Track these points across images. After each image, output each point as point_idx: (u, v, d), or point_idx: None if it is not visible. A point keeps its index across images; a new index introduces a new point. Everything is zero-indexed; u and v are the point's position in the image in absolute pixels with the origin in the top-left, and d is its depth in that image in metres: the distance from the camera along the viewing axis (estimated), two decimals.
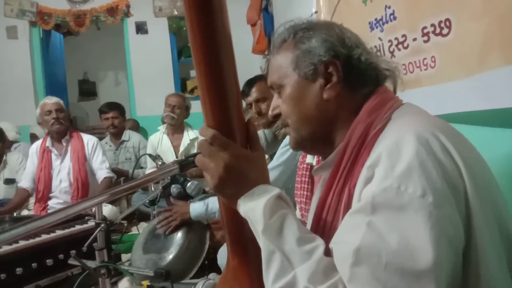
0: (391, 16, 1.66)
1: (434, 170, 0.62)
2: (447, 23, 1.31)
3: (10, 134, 4.18)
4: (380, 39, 1.71)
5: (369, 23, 1.81)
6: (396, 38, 1.62)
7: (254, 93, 2.08)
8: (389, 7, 1.67)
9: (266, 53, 4.25)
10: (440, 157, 0.64)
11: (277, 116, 0.90)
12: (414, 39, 1.50)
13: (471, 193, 0.64)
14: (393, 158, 0.64)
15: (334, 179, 0.77)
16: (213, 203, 2.00)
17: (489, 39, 1.15)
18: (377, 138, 0.72)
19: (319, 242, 0.66)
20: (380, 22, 1.73)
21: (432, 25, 1.38)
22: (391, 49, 1.63)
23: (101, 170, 3.30)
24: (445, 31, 1.33)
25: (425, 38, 1.43)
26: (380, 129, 0.74)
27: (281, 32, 0.88)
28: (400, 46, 1.60)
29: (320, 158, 1.38)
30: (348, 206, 0.72)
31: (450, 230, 0.61)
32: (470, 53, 1.23)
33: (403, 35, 1.57)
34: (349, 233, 0.64)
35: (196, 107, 4.28)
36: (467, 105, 1.25)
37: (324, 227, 0.77)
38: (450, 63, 1.33)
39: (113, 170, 3.67)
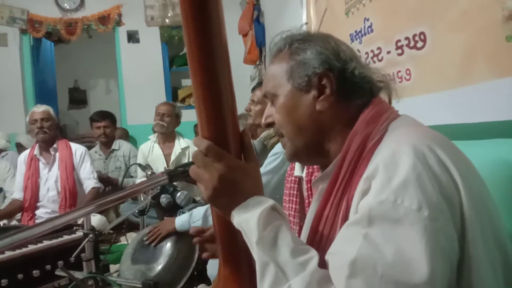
0: (369, 29, 1.69)
1: (429, 184, 0.63)
2: (422, 37, 1.33)
3: (0, 142, 4.14)
4: (358, 51, 1.73)
5: (350, 34, 1.84)
6: (372, 51, 1.64)
7: (255, 94, 2.16)
8: (368, 20, 1.69)
9: (257, 63, 4.27)
10: (436, 171, 0.64)
11: (269, 125, 0.91)
12: (388, 52, 1.52)
13: (466, 206, 0.64)
14: (389, 171, 0.65)
15: (332, 190, 0.77)
16: (198, 211, 1.99)
17: (471, 52, 1.17)
18: (374, 149, 0.73)
19: (313, 254, 0.66)
20: (360, 34, 1.76)
21: (406, 38, 1.40)
22: (367, 61, 1.65)
23: (89, 180, 3.26)
24: (419, 44, 1.35)
25: (399, 51, 1.45)
26: (377, 140, 0.74)
27: (277, 42, 0.89)
28: (375, 59, 1.62)
29: (310, 170, 1.39)
30: (345, 218, 0.72)
31: (445, 243, 0.61)
32: (450, 66, 1.24)
33: (378, 48, 1.60)
34: (345, 245, 0.64)
35: (188, 116, 4.29)
36: (447, 117, 1.27)
37: (321, 239, 0.77)
38: (427, 75, 1.35)
39: (102, 178, 3.65)
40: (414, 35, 1.36)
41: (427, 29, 1.32)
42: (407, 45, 1.41)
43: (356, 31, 1.79)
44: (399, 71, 1.46)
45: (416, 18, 1.36)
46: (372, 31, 1.67)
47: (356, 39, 1.79)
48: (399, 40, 1.44)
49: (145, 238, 2.12)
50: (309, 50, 0.83)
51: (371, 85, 0.84)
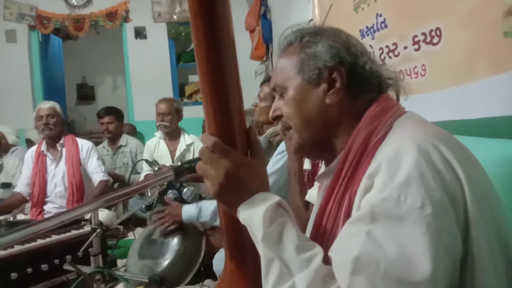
0: (382, 24, 1.67)
1: (433, 181, 0.62)
2: (438, 32, 1.33)
3: (10, 138, 4.19)
4: (371, 46, 1.72)
5: (360, 30, 1.83)
6: (387, 46, 1.63)
7: (262, 90, 2.15)
8: (380, 15, 1.68)
9: (264, 59, 4.26)
10: (440, 168, 0.64)
11: (277, 118, 0.91)
12: (405, 47, 1.51)
13: (470, 204, 0.64)
14: (392, 168, 0.65)
15: (335, 186, 0.77)
16: (206, 207, 1.99)
17: (476, 48, 1.16)
18: (378, 146, 0.73)
19: (318, 250, 0.67)
20: (371, 30, 1.75)
21: (423, 33, 1.40)
22: (382, 57, 1.65)
23: (97, 174, 3.27)
24: (435, 40, 1.34)
25: (416, 46, 1.44)
26: (381, 137, 0.74)
27: (288, 35, 0.89)
28: (391, 54, 1.61)
29: (319, 163, 1.39)
30: (348, 214, 0.72)
31: (448, 241, 0.61)
32: (459, 62, 1.24)
33: (394, 43, 1.58)
34: (348, 242, 0.64)
35: (195, 112, 4.30)
36: (455, 114, 1.27)
37: (323, 234, 0.78)
38: (440, 71, 1.34)
39: (109, 174, 3.67)
40: (431, 31, 1.35)
41: (442, 24, 1.31)
42: (424, 41, 1.40)
43: (367, 27, 1.78)
44: (415, 67, 1.45)
45: (432, 13, 1.36)
46: (386, 26, 1.65)
47: (368, 35, 1.78)
48: (416, 36, 1.44)
49: (151, 226, 2.13)
50: (320, 44, 0.83)
51: (380, 81, 0.84)
